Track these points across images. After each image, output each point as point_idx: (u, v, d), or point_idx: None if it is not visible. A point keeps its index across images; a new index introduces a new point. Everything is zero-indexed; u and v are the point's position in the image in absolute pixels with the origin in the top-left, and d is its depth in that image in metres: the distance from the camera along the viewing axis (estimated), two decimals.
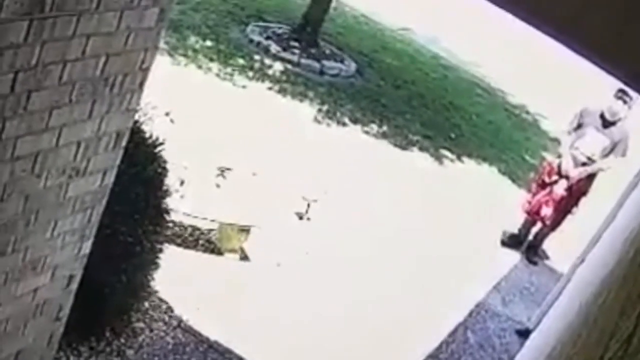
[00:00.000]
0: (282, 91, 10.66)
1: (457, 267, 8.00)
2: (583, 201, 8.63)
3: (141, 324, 5.82)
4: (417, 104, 11.72)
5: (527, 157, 11.41)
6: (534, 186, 8.99)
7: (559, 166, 8.52)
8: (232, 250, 7.08)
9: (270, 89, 10.64)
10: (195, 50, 10.76)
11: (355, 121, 10.54)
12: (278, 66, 11.29)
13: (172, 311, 6.09)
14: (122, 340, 5.59)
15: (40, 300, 4.33)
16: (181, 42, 10.73)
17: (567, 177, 8.46)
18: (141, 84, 4.15)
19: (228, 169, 7.60)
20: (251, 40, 11.75)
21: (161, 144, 5.22)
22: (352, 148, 9.74)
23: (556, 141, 10.87)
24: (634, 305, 2.23)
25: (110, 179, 4.33)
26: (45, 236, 4.07)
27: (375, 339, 6.66)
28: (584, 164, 8.43)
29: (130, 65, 4.00)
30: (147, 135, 5.15)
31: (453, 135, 11.15)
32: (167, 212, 5.40)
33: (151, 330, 5.84)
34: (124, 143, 4.27)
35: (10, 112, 3.45)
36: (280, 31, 12.18)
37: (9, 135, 3.50)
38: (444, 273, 7.82)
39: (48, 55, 3.46)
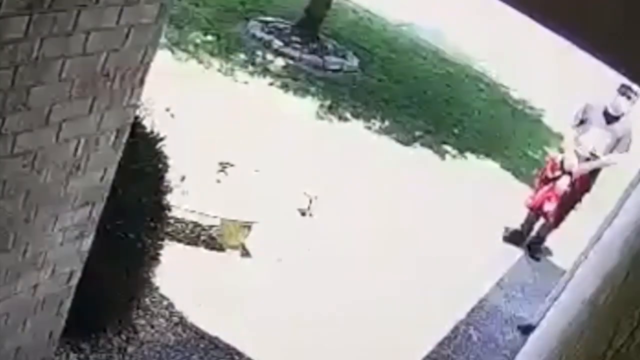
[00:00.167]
0: (283, 86, 10.65)
1: (459, 263, 7.98)
2: (586, 197, 8.61)
3: (142, 321, 5.81)
4: (420, 99, 11.70)
5: (530, 153, 11.39)
6: (536, 182, 8.97)
7: (562, 162, 8.50)
8: (234, 247, 7.07)
9: (271, 84, 10.62)
10: (196, 46, 10.74)
11: (357, 116, 10.52)
12: (280, 61, 11.26)
13: (173, 307, 6.08)
14: (123, 337, 5.57)
15: (41, 296, 4.33)
16: (182, 37, 10.71)
17: (570, 173, 8.45)
18: (142, 80, 4.14)
19: (229, 165, 7.59)
20: (253, 36, 11.73)
21: (162, 139, 5.20)
22: (354, 143, 9.72)
23: (559, 136, 10.86)
24: (637, 302, 2.21)
25: (111, 174, 4.32)
26: (46, 232, 4.06)
27: (377, 335, 6.64)
28: (587, 160, 8.41)
29: (131, 61, 3.99)
30: (148, 130, 5.13)
31: (455, 131, 11.13)
32: (168, 208, 5.38)
33: (152, 327, 5.82)
34: (124, 139, 4.26)
35: (10, 108, 3.44)
36: (281, 26, 12.15)
37: (9, 131, 3.49)
38: (446, 269, 7.80)
39: (48, 50, 3.45)
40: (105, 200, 4.39)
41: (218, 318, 6.17)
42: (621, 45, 2.09)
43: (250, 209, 7.11)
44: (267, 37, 11.71)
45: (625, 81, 7.31)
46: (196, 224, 7.03)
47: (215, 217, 6.96)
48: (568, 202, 8.58)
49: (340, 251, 7.50)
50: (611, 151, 8.37)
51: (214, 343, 5.94)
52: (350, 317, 6.73)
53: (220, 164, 7.62)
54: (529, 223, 8.93)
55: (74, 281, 4.54)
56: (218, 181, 7.26)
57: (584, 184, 8.52)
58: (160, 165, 5.18)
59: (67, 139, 3.84)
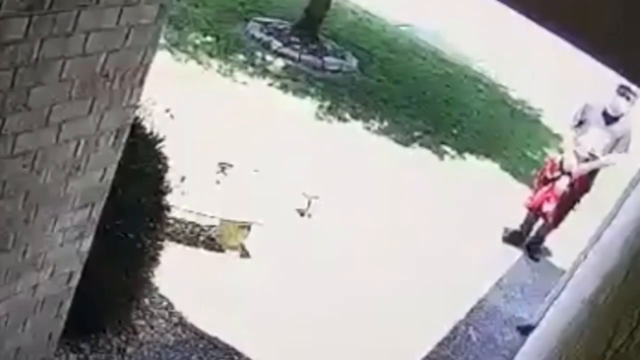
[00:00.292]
0: (283, 87, 10.65)
1: (458, 263, 7.98)
2: (585, 197, 8.61)
3: (141, 321, 5.81)
4: (419, 99, 11.70)
5: (529, 153, 11.38)
6: (536, 182, 8.97)
7: (561, 162, 8.51)
8: (233, 247, 7.07)
9: (271, 85, 10.63)
10: (195, 46, 10.74)
11: (356, 117, 10.52)
12: (279, 62, 11.27)
13: (172, 308, 6.07)
14: (123, 337, 5.57)
15: (40, 297, 4.33)
16: (182, 38, 10.71)
17: (569, 174, 8.45)
18: (141, 80, 4.14)
19: (229, 165, 7.59)
20: (252, 36, 11.73)
21: (161, 140, 5.20)
22: (353, 144, 9.72)
23: (558, 137, 10.87)
24: (637, 301, 2.21)
25: (111, 175, 4.32)
26: (45, 233, 4.06)
27: (377, 335, 6.64)
28: (586, 160, 8.41)
29: (131, 61, 3.99)
30: (148, 131, 5.13)
31: (454, 131, 11.13)
32: (168, 208, 5.38)
33: (151, 327, 5.82)
34: (124, 139, 4.27)
35: (10, 108, 3.44)
36: (281, 27, 12.15)
37: (9, 131, 3.49)
38: (445, 269, 7.80)
39: (48, 51, 3.45)
40: (104, 201, 4.39)
41: (217, 318, 6.17)
42: (620, 46, 2.09)
43: (250, 209, 7.11)
44: (267, 38, 11.71)
45: (624, 82, 7.31)
46: (195, 225, 7.04)
47: (214, 217, 6.96)
48: (567, 203, 8.58)
49: (339, 251, 7.50)
50: (610, 152, 8.37)
51: (213, 343, 5.94)
52: (349, 317, 6.73)
53: (220, 164, 7.62)
54: (528, 223, 8.93)
55: (74, 282, 4.54)
56: (217, 182, 7.25)
57: (583, 184, 8.52)
58: (159, 166, 5.18)
59: (66, 140, 3.84)
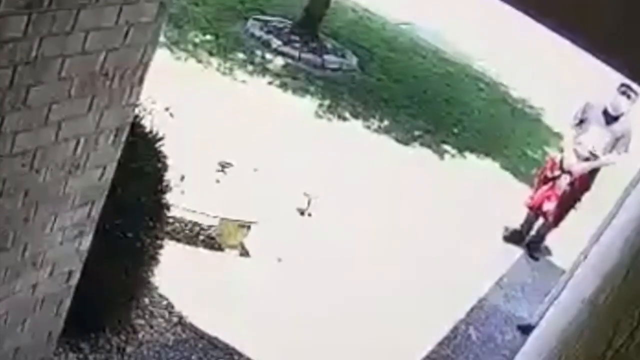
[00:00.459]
0: (282, 86, 10.64)
1: (458, 262, 7.98)
2: (586, 196, 8.61)
3: (141, 321, 5.80)
4: (419, 98, 11.70)
5: (530, 152, 11.37)
6: (536, 181, 8.96)
7: (562, 161, 8.50)
8: (233, 246, 7.06)
9: (270, 83, 10.62)
10: (195, 45, 10.73)
11: (356, 116, 10.52)
12: (279, 61, 11.26)
13: (172, 307, 6.07)
14: (122, 337, 5.56)
15: (40, 296, 4.32)
16: (181, 36, 10.70)
17: (569, 173, 8.44)
18: (141, 79, 4.14)
19: (229, 164, 7.59)
20: (252, 35, 11.72)
21: (161, 138, 5.19)
22: (353, 143, 9.71)
23: (559, 136, 10.86)
24: (637, 301, 2.21)
25: (110, 174, 4.31)
26: (45, 231, 4.06)
27: (377, 335, 6.64)
28: (586, 159, 8.40)
29: (130, 60, 3.98)
30: (147, 130, 5.13)
31: (455, 130, 11.12)
32: (167, 207, 5.37)
33: (151, 327, 5.82)
34: (123, 138, 4.26)
35: (9, 107, 3.43)
36: (281, 25, 12.15)
37: (8, 130, 3.49)
38: (446, 268, 7.80)
39: (47, 49, 3.44)
40: (104, 200, 4.38)
41: (217, 318, 6.16)
42: (621, 44, 2.08)
43: (249, 208, 7.11)
44: (266, 37, 11.70)
45: (626, 80, 7.30)
46: (195, 224, 7.03)
47: (214, 216, 6.95)
48: (568, 202, 8.57)
49: (339, 251, 7.49)
50: (610, 151, 8.36)
51: (213, 343, 5.93)
52: (349, 316, 6.73)
53: (220, 163, 7.62)
54: (528, 223, 8.92)
55: (73, 281, 4.53)
56: (217, 181, 7.25)
57: (583, 183, 8.51)
58: (159, 165, 5.17)
59: (66, 138, 3.84)
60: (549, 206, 8.57)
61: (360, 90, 11.24)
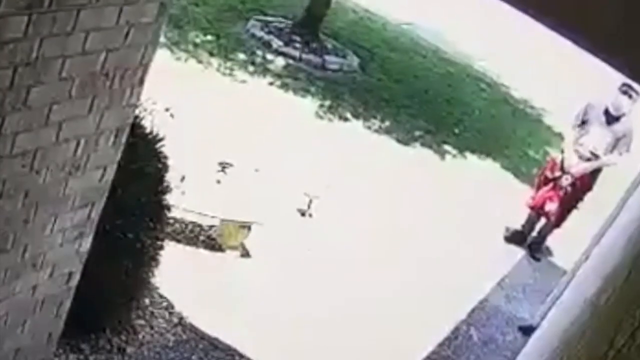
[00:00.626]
0: (283, 86, 10.64)
1: (459, 263, 7.97)
2: (587, 197, 8.60)
3: (141, 321, 5.80)
4: (420, 98, 11.69)
5: (531, 152, 11.37)
6: (537, 181, 8.95)
7: (563, 162, 8.49)
8: (233, 247, 7.06)
9: (271, 84, 10.61)
10: (195, 45, 10.73)
11: (357, 116, 10.51)
12: (280, 61, 11.25)
13: (172, 308, 6.06)
14: (123, 337, 5.56)
15: (40, 297, 4.31)
16: (182, 36, 10.70)
17: (571, 173, 8.43)
18: (141, 79, 4.13)
19: (229, 165, 7.58)
20: (252, 35, 11.72)
21: (161, 139, 5.19)
22: (354, 143, 9.71)
23: (560, 136, 10.85)
24: (639, 302, 2.20)
25: (110, 174, 4.30)
26: (45, 232, 4.05)
27: (377, 335, 6.63)
28: (588, 160, 8.39)
29: (130, 61, 3.98)
30: (148, 130, 5.12)
31: (456, 130, 11.11)
32: (168, 208, 5.37)
33: (151, 327, 5.81)
34: (124, 139, 4.25)
35: (9, 107, 3.43)
36: (281, 26, 12.14)
37: (8, 131, 3.48)
38: (447, 269, 7.79)
39: (48, 50, 3.44)
40: (104, 201, 4.38)
41: (218, 319, 6.16)
42: (621, 44, 2.08)
43: (250, 209, 7.10)
44: (267, 37, 11.69)
45: (627, 80, 7.29)
46: (196, 224, 7.02)
47: (214, 217, 6.95)
48: (569, 202, 8.56)
49: (340, 251, 7.49)
50: (612, 151, 8.36)
51: (214, 344, 5.93)
52: (350, 317, 6.72)
53: (220, 164, 7.61)
54: (530, 223, 8.91)
55: (74, 282, 4.52)
56: (218, 181, 7.24)
57: (585, 183, 8.50)
58: (159, 165, 5.17)
59: (66, 139, 3.83)
60: (551, 206, 8.55)
61: (361, 91, 11.24)
